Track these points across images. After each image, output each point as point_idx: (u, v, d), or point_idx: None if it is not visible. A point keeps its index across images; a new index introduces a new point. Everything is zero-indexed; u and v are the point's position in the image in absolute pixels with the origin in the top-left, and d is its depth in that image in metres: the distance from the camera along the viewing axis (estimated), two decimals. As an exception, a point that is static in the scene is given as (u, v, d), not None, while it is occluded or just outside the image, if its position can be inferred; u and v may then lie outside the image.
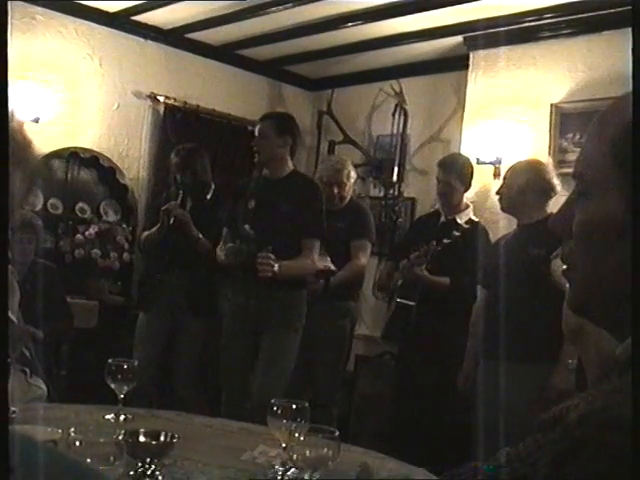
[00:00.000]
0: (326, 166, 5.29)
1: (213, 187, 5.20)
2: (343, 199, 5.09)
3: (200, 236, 4.91)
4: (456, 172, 4.84)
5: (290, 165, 4.35)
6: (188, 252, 4.95)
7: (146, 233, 5.19)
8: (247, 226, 4.18)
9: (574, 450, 0.91)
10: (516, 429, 3.32)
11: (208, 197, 5.15)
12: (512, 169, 4.29)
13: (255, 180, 4.43)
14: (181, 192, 5.01)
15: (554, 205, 4.18)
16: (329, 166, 5.23)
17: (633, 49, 1.00)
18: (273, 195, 4.23)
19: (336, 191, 5.05)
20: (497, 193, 4.33)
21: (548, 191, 4.12)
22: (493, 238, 4.66)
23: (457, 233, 4.67)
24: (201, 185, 5.11)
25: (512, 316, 3.77)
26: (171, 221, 4.89)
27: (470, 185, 4.94)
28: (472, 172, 4.93)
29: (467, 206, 4.94)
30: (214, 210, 5.03)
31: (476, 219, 4.93)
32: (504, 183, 4.27)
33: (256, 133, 4.37)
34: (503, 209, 4.31)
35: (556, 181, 4.14)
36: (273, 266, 3.97)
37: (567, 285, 1.69)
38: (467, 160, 5.04)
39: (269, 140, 4.26)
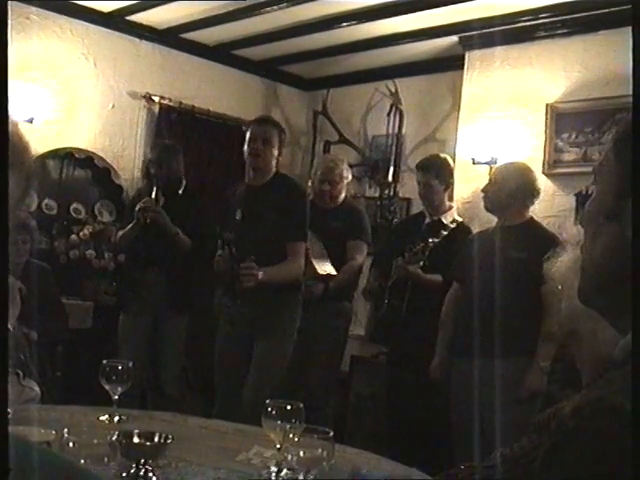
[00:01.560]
0: (320, 163, 5.37)
1: (184, 183, 5.22)
2: (334, 198, 5.09)
3: (178, 231, 4.93)
4: (434, 173, 4.85)
5: (274, 170, 4.32)
6: (165, 249, 4.95)
7: (121, 232, 5.19)
8: (228, 233, 4.19)
9: (569, 441, 0.91)
10: (500, 426, 3.36)
11: (180, 192, 5.17)
12: (501, 171, 4.35)
13: (239, 189, 4.40)
14: (155, 188, 5.00)
15: (534, 209, 4.31)
16: (322, 163, 5.31)
17: (633, 49, 1.02)
18: (257, 203, 4.22)
19: (327, 189, 5.06)
20: (483, 191, 4.35)
21: (533, 197, 4.23)
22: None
23: (444, 232, 4.72)
24: (175, 181, 5.13)
25: (488, 313, 3.81)
26: (147, 220, 4.89)
27: (450, 184, 4.94)
28: (452, 171, 4.95)
29: (450, 207, 4.97)
30: (187, 205, 5.06)
31: (460, 219, 4.95)
32: (491, 183, 4.30)
33: (256, 136, 4.25)
34: (487, 208, 4.34)
35: (540, 187, 4.28)
36: (256, 275, 3.96)
37: (559, 287, 1.70)
38: (445, 160, 5.03)
39: (271, 148, 4.23)
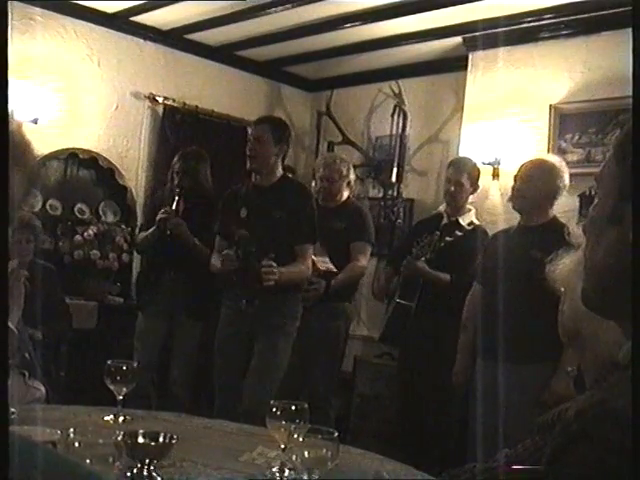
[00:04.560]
0: (319, 161, 5.42)
1: (210, 191, 5.19)
2: (334, 196, 5.09)
3: (197, 242, 4.92)
4: (467, 172, 4.89)
5: (280, 170, 4.33)
6: (184, 255, 4.95)
7: (142, 235, 5.18)
8: (243, 230, 4.17)
9: (572, 444, 0.92)
10: (514, 429, 3.34)
11: (204, 200, 5.13)
12: (530, 168, 4.16)
13: (245, 188, 4.40)
14: (177, 198, 4.99)
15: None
16: (321, 161, 5.36)
17: (633, 49, 1.02)
18: (265, 203, 4.22)
19: (326, 185, 5.08)
20: (512, 189, 4.26)
21: (558, 195, 4.10)
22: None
23: (459, 233, 4.70)
24: (200, 190, 5.10)
25: (508, 315, 3.76)
26: (168, 232, 4.89)
27: (477, 187, 4.96)
28: (479, 175, 4.96)
29: (469, 209, 4.97)
30: (207, 213, 5.03)
31: (478, 222, 4.94)
32: (517, 181, 4.17)
33: (251, 137, 4.32)
34: (514, 207, 4.22)
35: (565, 184, 4.10)
36: (276, 274, 3.97)
37: (562, 289, 1.70)
38: (475, 164, 5.07)
39: (266, 146, 4.23)
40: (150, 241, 5.04)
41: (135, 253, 6.01)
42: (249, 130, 4.35)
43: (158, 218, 4.92)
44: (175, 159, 5.19)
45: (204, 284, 4.93)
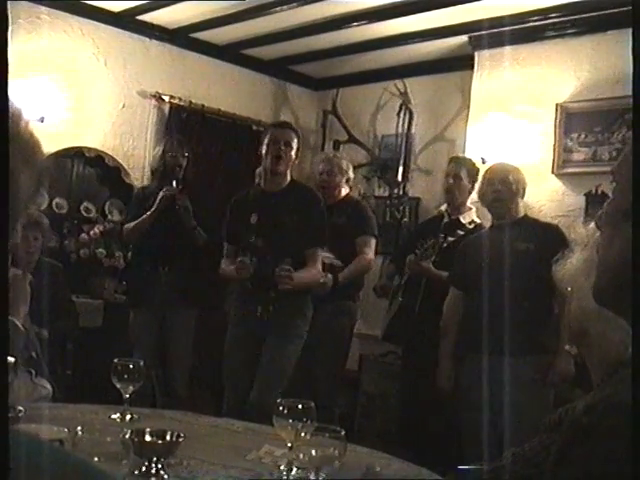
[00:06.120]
0: (318, 158, 5.51)
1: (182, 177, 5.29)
2: (332, 190, 5.12)
3: (196, 225, 4.96)
4: (466, 169, 4.94)
5: (289, 176, 4.35)
6: (175, 243, 4.97)
7: (131, 224, 5.17)
8: (253, 238, 4.20)
9: (582, 438, 0.92)
10: (517, 426, 3.36)
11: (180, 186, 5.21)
12: (501, 171, 4.38)
13: (253, 193, 4.41)
14: (175, 179, 5.07)
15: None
16: (320, 156, 5.47)
17: (633, 50, 1.03)
18: (275, 208, 4.22)
19: (325, 179, 5.13)
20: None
21: (524, 192, 4.33)
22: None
23: (461, 232, 4.73)
24: (186, 178, 5.25)
25: (509, 309, 3.80)
26: (177, 207, 4.94)
27: (475, 186, 4.97)
28: (477, 173, 4.97)
29: (470, 208, 5.00)
30: (196, 199, 5.16)
31: (479, 220, 4.95)
32: (497, 184, 4.31)
33: (281, 140, 4.23)
34: (492, 210, 4.38)
35: (527, 183, 4.39)
36: (293, 279, 3.98)
37: (569, 289, 1.70)
38: (475, 162, 5.15)
39: (293, 151, 4.24)
40: (141, 229, 5.05)
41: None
42: (269, 132, 4.30)
43: (160, 196, 4.96)
44: (158, 145, 5.33)
45: (198, 271, 4.97)
